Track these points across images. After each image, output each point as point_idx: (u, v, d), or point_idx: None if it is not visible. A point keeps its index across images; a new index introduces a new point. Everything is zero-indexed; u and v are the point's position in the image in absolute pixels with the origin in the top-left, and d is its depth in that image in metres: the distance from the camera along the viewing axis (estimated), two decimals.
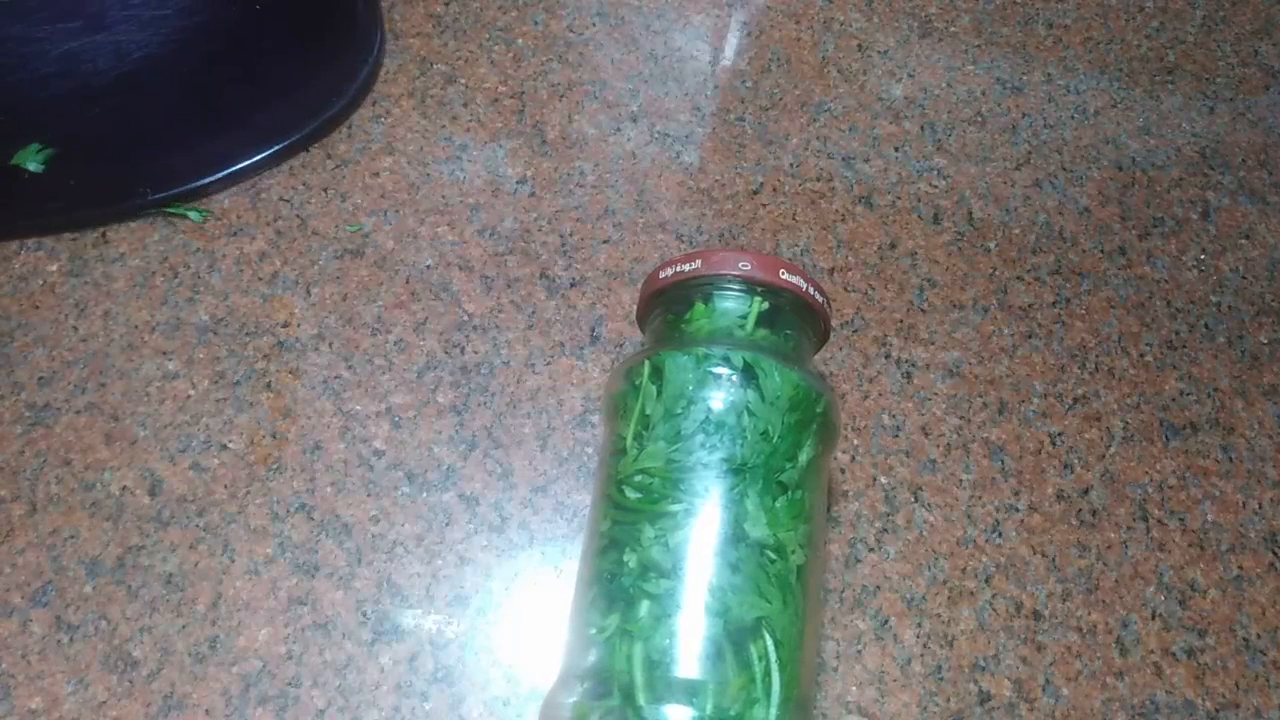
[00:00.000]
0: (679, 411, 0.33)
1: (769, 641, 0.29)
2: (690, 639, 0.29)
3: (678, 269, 0.37)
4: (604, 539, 0.33)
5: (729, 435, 0.32)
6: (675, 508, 0.31)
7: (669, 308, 0.37)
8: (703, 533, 0.31)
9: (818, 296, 0.37)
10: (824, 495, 0.35)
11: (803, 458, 0.33)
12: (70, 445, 0.44)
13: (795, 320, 0.37)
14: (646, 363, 0.34)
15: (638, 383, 0.35)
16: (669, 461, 0.32)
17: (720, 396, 0.33)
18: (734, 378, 0.33)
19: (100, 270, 0.49)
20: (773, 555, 0.31)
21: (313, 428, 0.46)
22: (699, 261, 0.36)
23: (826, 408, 0.34)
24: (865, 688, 0.41)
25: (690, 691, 0.28)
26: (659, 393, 0.34)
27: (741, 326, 0.35)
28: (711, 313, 0.36)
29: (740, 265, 0.35)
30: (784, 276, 0.35)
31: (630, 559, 0.31)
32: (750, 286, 0.36)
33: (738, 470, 0.32)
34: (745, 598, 0.30)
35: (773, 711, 0.29)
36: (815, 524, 0.33)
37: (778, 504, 0.32)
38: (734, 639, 0.29)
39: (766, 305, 0.36)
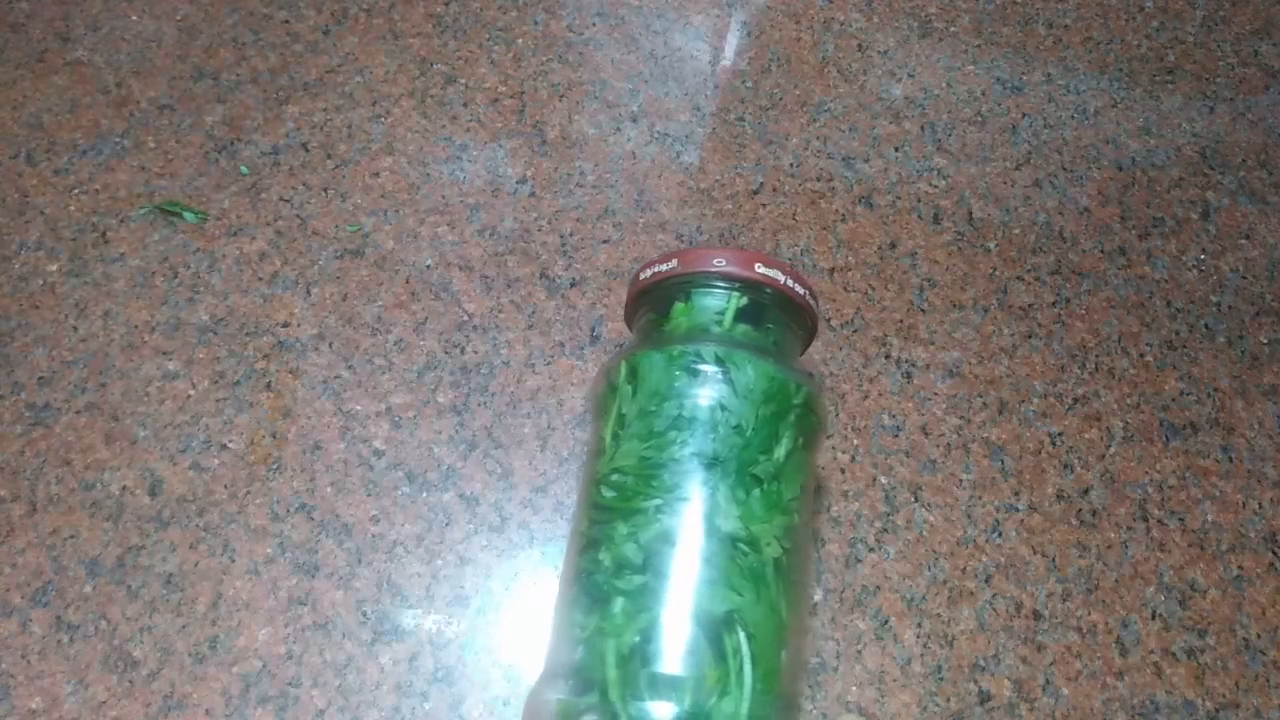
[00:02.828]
0: (653, 409, 0.33)
1: (741, 634, 0.29)
2: (664, 634, 0.29)
3: (656, 269, 0.37)
4: (583, 538, 0.33)
5: (701, 430, 0.32)
6: (647, 504, 0.31)
7: (652, 308, 0.38)
8: (674, 528, 0.31)
9: (798, 289, 0.37)
10: (810, 488, 0.35)
11: (780, 450, 0.33)
12: (70, 445, 0.44)
13: (779, 315, 0.37)
14: (623, 363, 0.35)
15: (615, 383, 0.35)
16: (642, 459, 0.32)
17: (692, 392, 0.33)
18: (705, 373, 0.33)
19: (100, 270, 0.49)
20: (745, 548, 0.31)
21: (313, 428, 0.46)
22: (676, 261, 0.36)
23: (807, 399, 0.34)
24: (865, 688, 0.41)
25: (667, 686, 0.28)
26: (634, 392, 0.34)
27: (719, 323, 0.35)
28: (690, 311, 0.36)
29: (715, 262, 0.35)
30: (760, 270, 0.35)
31: (605, 557, 0.31)
32: (727, 282, 0.36)
33: (709, 464, 0.32)
34: (716, 591, 0.30)
35: (744, 705, 0.29)
36: (796, 517, 0.33)
37: (752, 497, 0.32)
38: (706, 633, 0.29)
39: (745, 300, 0.36)
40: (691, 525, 0.31)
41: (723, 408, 0.32)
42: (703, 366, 0.33)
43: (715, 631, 0.29)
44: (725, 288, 0.36)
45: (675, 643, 0.29)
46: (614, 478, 0.33)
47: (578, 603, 0.31)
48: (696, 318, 0.36)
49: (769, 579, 0.31)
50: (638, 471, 0.32)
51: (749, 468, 0.32)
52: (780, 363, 0.34)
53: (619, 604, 0.30)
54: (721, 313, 0.36)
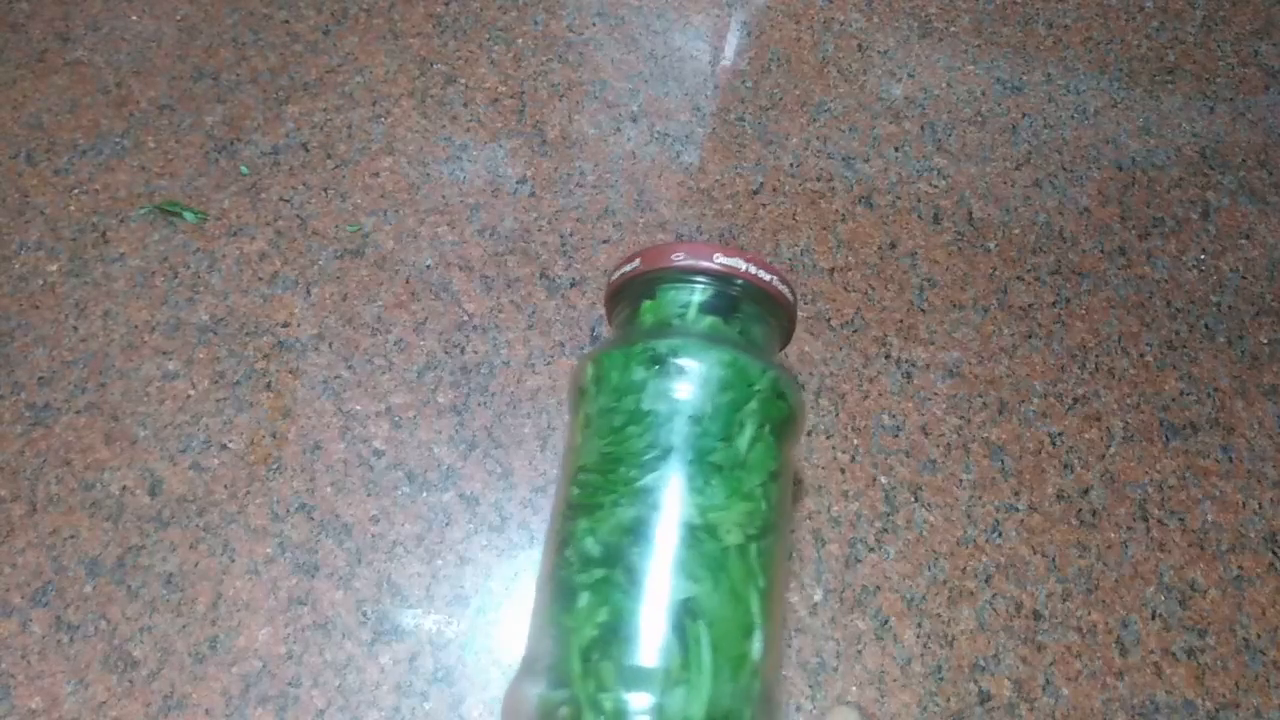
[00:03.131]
0: (613, 406, 0.33)
1: (700, 622, 0.30)
2: (625, 626, 0.29)
3: (622, 270, 0.37)
4: (557, 537, 0.33)
5: (658, 422, 0.32)
6: (605, 499, 0.32)
7: (625, 307, 0.38)
8: (631, 520, 0.31)
9: (764, 276, 0.36)
10: (785, 474, 0.35)
11: (742, 437, 0.33)
12: (70, 445, 0.44)
13: (752, 306, 0.36)
14: (589, 364, 0.35)
15: (583, 385, 0.35)
16: (602, 455, 0.33)
17: (649, 385, 0.33)
18: (660, 366, 0.33)
19: (100, 270, 0.49)
20: (703, 536, 0.31)
21: (313, 428, 0.46)
22: (639, 260, 0.36)
23: (772, 385, 0.34)
24: (865, 688, 0.41)
25: (631, 677, 0.28)
26: (599, 391, 0.34)
27: (681, 317, 0.35)
28: (657, 307, 0.36)
29: (674, 257, 0.36)
30: (719, 261, 0.35)
31: (570, 553, 0.32)
32: (686, 276, 0.36)
33: (665, 455, 0.32)
34: (673, 580, 0.30)
35: (705, 692, 0.29)
36: (763, 504, 0.33)
37: (711, 485, 0.32)
38: (667, 622, 0.29)
39: (709, 293, 0.36)
40: (649, 516, 0.31)
41: (679, 398, 0.33)
42: (658, 359, 0.33)
43: (676, 620, 0.29)
44: (688, 282, 0.36)
45: (637, 634, 0.29)
46: (580, 476, 0.33)
47: (549, 600, 0.32)
48: (662, 313, 0.36)
49: (730, 566, 0.31)
50: (598, 468, 0.33)
51: (706, 456, 0.32)
52: (742, 350, 0.34)
53: (583, 599, 0.30)
54: (685, 306, 0.36)
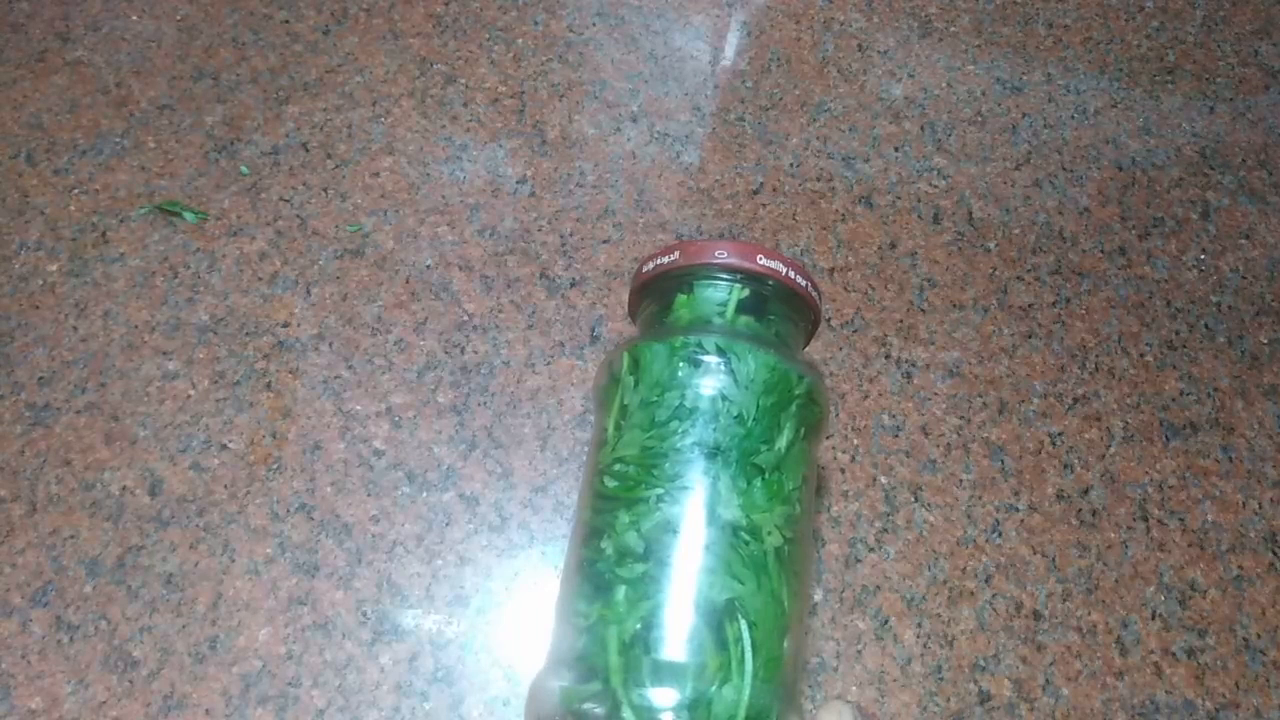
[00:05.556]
0: (654, 399, 0.33)
1: (743, 623, 0.30)
2: (666, 621, 0.29)
3: (658, 262, 0.37)
4: (586, 528, 0.33)
5: (703, 420, 0.32)
6: (649, 493, 0.32)
7: (655, 300, 0.38)
8: (676, 516, 0.31)
9: (800, 281, 0.37)
10: (812, 479, 0.35)
11: (781, 440, 0.33)
12: (70, 445, 0.44)
13: (781, 307, 0.37)
14: (625, 354, 0.35)
15: (618, 374, 0.35)
16: (644, 449, 0.33)
17: (694, 382, 0.33)
18: (706, 363, 0.33)
19: (100, 270, 0.49)
20: (747, 537, 0.31)
21: (313, 428, 0.46)
22: (678, 253, 0.36)
23: (808, 390, 0.35)
24: (865, 688, 0.41)
25: (669, 673, 0.28)
26: (636, 383, 0.34)
27: (721, 314, 0.36)
28: (692, 302, 0.36)
29: (717, 254, 0.36)
30: (761, 262, 0.36)
31: (607, 546, 0.32)
32: (729, 274, 0.36)
33: (711, 454, 0.32)
34: (717, 579, 0.30)
35: (745, 692, 0.29)
36: (798, 507, 0.33)
37: (753, 486, 0.32)
38: (708, 620, 0.30)
39: (747, 292, 0.36)
40: (693, 514, 0.31)
41: (724, 398, 0.33)
42: (704, 357, 0.33)
43: (717, 619, 0.30)
44: (727, 279, 0.36)
45: (677, 630, 0.29)
46: (616, 467, 0.33)
47: (580, 591, 0.32)
48: (698, 309, 0.36)
49: (770, 568, 0.31)
50: (640, 461, 0.32)
51: (750, 457, 0.32)
52: (782, 354, 0.34)
53: (621, 592, 0.30)
54: (723, 304, 0.36)
